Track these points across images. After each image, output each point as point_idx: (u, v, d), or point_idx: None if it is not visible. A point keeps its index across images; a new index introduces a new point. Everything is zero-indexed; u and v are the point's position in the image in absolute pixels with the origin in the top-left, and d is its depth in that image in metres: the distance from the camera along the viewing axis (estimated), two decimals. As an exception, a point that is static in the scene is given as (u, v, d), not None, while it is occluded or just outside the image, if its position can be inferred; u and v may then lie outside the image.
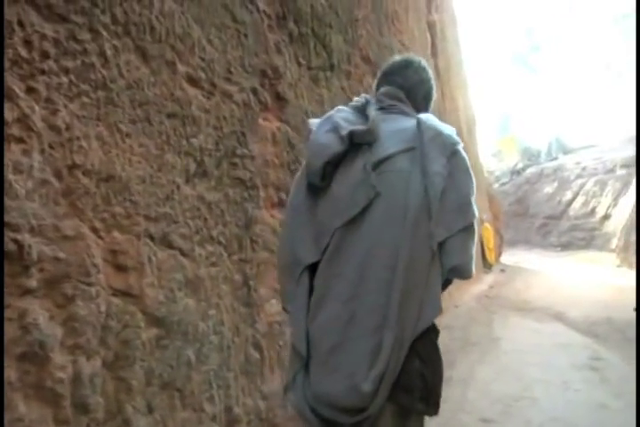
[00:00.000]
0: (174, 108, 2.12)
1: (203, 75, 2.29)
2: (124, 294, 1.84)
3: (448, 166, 1.59)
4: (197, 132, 2.24)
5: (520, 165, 30.13)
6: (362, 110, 1.74)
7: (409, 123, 1.70)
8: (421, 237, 1.52)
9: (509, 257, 16.89)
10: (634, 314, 7.90)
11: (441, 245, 1.55)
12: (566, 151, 29.42)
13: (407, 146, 1.62)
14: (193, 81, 2.24)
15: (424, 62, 1.92)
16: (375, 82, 1.95)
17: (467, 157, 1.67)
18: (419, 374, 1.51)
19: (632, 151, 23.96)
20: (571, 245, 22.91)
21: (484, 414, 3.81)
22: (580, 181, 25.66)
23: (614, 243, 19.17)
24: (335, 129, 1.64)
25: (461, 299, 8.63)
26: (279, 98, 2.90)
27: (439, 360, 1.58)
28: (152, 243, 1.98)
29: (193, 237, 2.20)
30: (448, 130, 1.68)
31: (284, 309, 1.80)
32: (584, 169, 26.00)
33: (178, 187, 2.12)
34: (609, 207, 23.15)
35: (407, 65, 1.88)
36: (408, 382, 1.50)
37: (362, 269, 1.54)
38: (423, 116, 1.72)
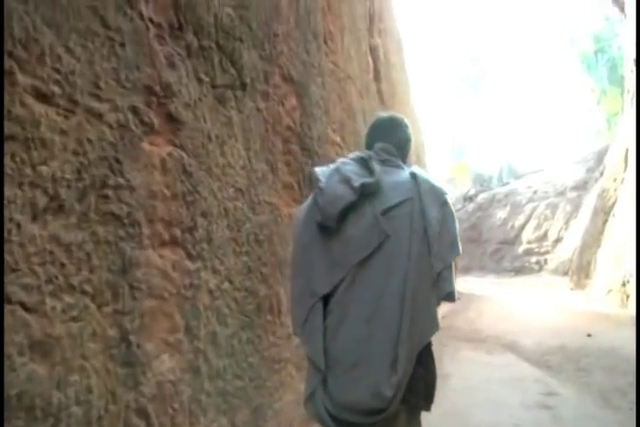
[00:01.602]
0: (12, 128, 1.70)
1: (57, 89, 1.87)
2: None
3: (441, 212, 1.99)
4: (49, 159, 1.81)
5: (472, 191, 30.35)
6: (363, 163, 2.09)
7: (404, 175, 2.09)
8: (423, 268, 1.89)
9: (464, 284, 16.68)
10: (587, 340, 7.67)
11: (437, 274, 1.92)
12: (517, 176, 29.77)
13: (407, 196, 1.99)
14: (42, 96, 1.82)
15: (407, 120, 2.36)
16: (367, 135, 2.34)
17: (452, 205, 2.09)
18: (422, 380, 1.90)
19: (582, 173, 24.31)
20: (524, 270, 22.92)
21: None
22: (531, 205, 25.88)
23: (567, 266, 19.19)
24: (347, 181, 1.99)
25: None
26: (171, 119, 2.49)
27: (434, 367, 1.99)
28: (-24, 298, 1.55)
29: (42, 287, 1.76)
30: (437, 182, 2.10)
31: (295, 333, 2.11)
32: (535, 193, 26.24)
33: (18, 226, 1.69)
34: (561, 230, 23.34)
35: (397, 124, 2.31)
36: (415, 386, 1.87)
37: (377, 295, 1.87)
38: (416, 170, 2.13)
